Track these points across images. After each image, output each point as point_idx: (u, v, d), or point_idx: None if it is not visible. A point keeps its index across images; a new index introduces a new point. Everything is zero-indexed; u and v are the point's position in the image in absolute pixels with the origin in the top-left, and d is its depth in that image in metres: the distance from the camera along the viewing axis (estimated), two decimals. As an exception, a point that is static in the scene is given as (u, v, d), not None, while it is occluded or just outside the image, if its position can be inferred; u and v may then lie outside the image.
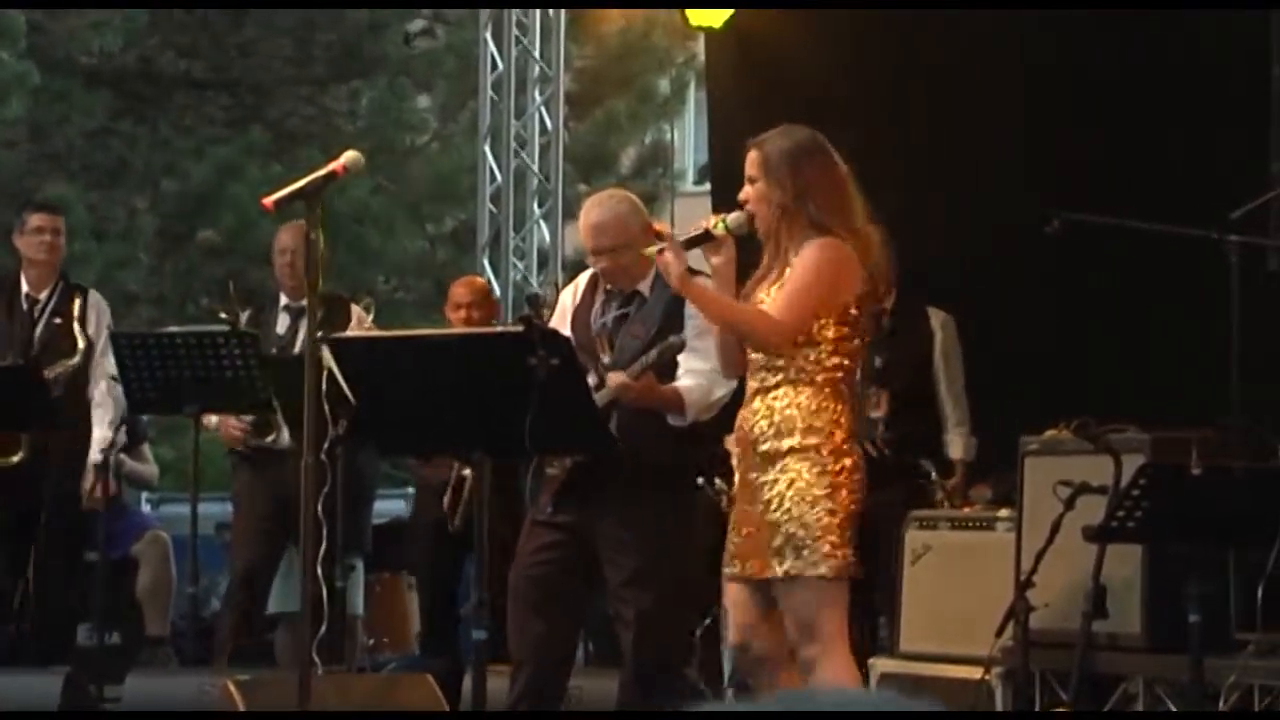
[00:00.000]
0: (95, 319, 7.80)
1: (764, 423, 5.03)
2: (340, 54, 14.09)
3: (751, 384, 5.14)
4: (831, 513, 4.96)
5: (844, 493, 4.99)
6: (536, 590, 5.77)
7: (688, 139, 21.38)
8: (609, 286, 5.90)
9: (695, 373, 5.71)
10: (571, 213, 12.16)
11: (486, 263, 10.58)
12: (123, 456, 8.38)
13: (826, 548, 4.96)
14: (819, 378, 5.02)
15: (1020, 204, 7.27)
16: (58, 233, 7.90)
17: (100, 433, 7.68)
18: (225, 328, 7.43)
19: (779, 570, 4.98)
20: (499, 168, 10.55)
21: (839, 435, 5.01)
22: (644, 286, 5.84)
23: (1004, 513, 6.76)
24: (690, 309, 5.67)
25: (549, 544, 5.80)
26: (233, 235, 13.32)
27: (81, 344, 7.65)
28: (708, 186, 20.51)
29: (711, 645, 7.50)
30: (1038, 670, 6.22)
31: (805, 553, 4.96)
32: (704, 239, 5.08)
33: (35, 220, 7.82)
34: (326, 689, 5.71)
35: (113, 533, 8.12)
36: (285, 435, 7.46)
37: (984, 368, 7.68)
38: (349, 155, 5.46)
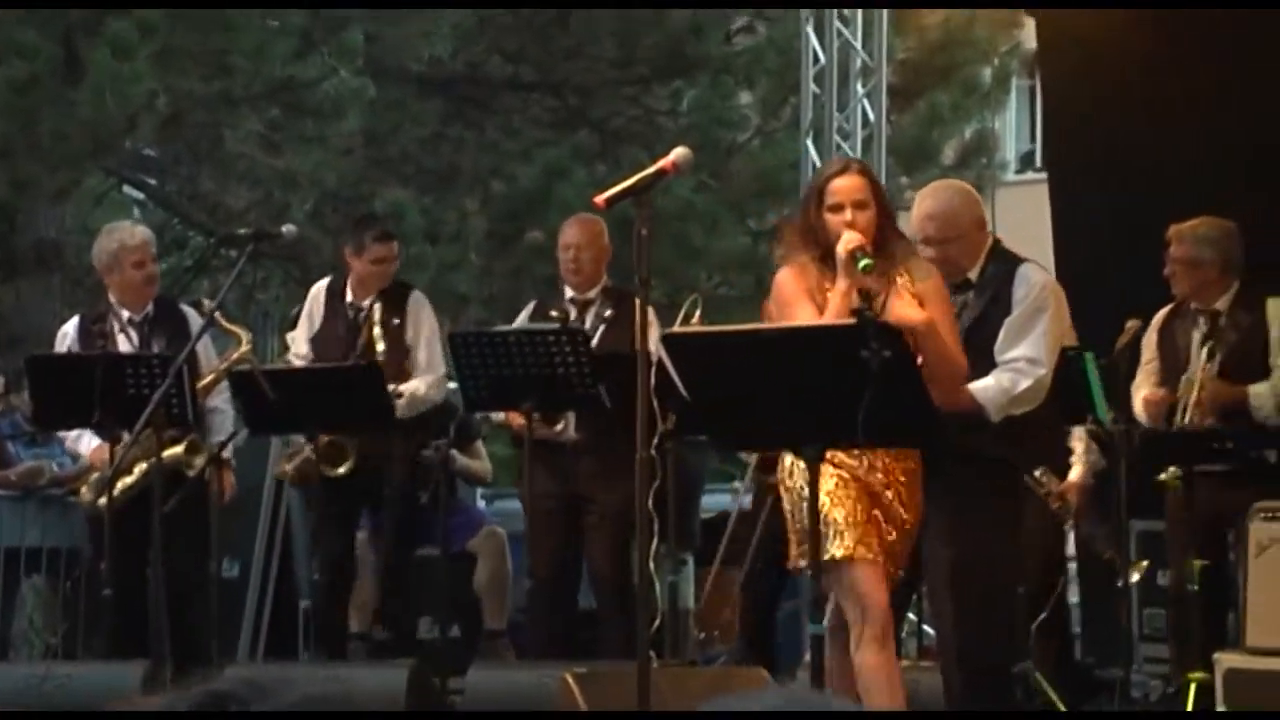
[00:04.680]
0: (414, 316, 7.93)
1: None
2: (663, 54, 14.21)
3: None
4: None
5: None
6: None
7: (1009, 129, 21.11)
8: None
9: (1006, 364, 5.65)
10: (895, 206, 12.10)
11: (811, 257, 10.56)
12: (455, 453, 8.57)
13: None
14: None
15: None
16: (396, 258, 8.10)
17: (413, 389, 7.79)
18: (556, 325, 7.53)
19: None
20: (822, 162, 10.52)
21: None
22: (973, 274, 5.82)
23: (1354, 505, 6.53)
24: (1018, 292, 5.64)
25: None
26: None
27: (381, 348, 7.81)
28: (1030, 175, 20.35)
29: (1050, 637, 7.37)
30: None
31: None
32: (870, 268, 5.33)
33: (378, 250, 7.92)
34: (663, 681, 5.75)
35: (450, 529, 8.30)
36: (571, 427, 7.55)
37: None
38: (679, 152, 5.50)
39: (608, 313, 7.72)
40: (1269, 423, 7.03)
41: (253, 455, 8.60)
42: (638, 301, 7.64)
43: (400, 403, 7.67)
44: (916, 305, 5.41)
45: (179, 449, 7.49)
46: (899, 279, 5.42)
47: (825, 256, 5.39)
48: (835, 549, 5.27)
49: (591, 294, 7.80)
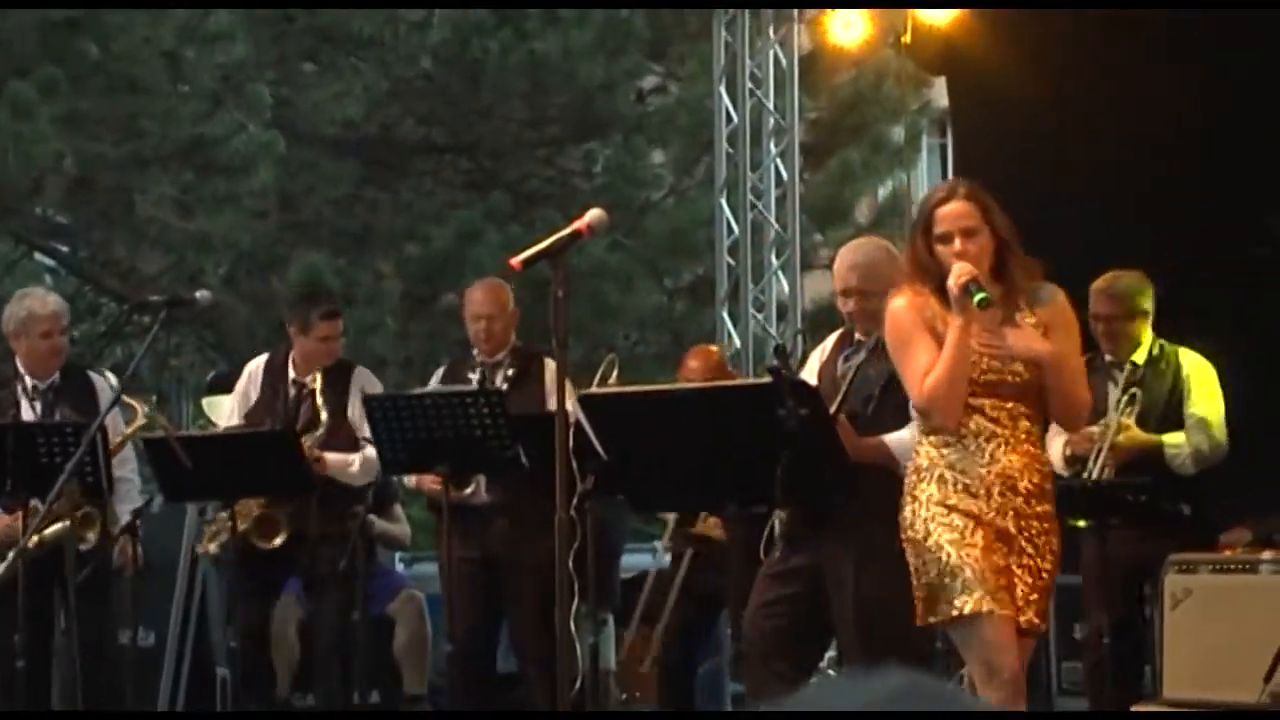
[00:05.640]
0: (358, 393, 7.87)
1: (1034, 473, 5.06)
2: (575, 114, 14.25)
3: (1006, 431, 5.06)
4: None
5: None
6: (768, 644, 5.77)
7: (922, 187, 21.29)
8: (856, 336, 5.90)
9: None
10: (809, 263, 12.16)
11: (726, 315, 10.60)
12: (373, 517, 8.52)
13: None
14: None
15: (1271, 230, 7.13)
16: (341, 336, 8.05)
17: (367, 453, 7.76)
18: (473, 388, 7.52)
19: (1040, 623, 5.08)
20: (736, 220, 10.58)
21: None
22: (888, 330, 5.85)
23: (1268, 555, 6.60)
24: None
25: (781, 597, 5.81)
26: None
27: (324, 417, 7.78)
28: (944, 232, 20.51)
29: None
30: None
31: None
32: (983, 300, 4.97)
33: (325, 329, 7.87)
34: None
35: (368, 593, 8.25)
36: (483, 489, 7.53)
37: (1238, 407, 7.50)
38: (593, 214, 5.50)
39: (510, 372, 7.73)
40: (1184, 472, 7.10)
41: (168, 523, 8.52)
42: (545, 362, 7.72)
43: (354, 471, 7.68)
44: (1039, 335, 5.06)
45: (66, 525, 7.40)
46: (1020, 308, 5.08)
47: (940, 287, 5.00)
48: (963, 604, 4.93)
49: (500, 356, 7.80)
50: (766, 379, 5.15)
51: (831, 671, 7.36)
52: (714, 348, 8.67)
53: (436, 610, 8.60)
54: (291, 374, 7.93)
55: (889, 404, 5.73)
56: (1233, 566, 6.74)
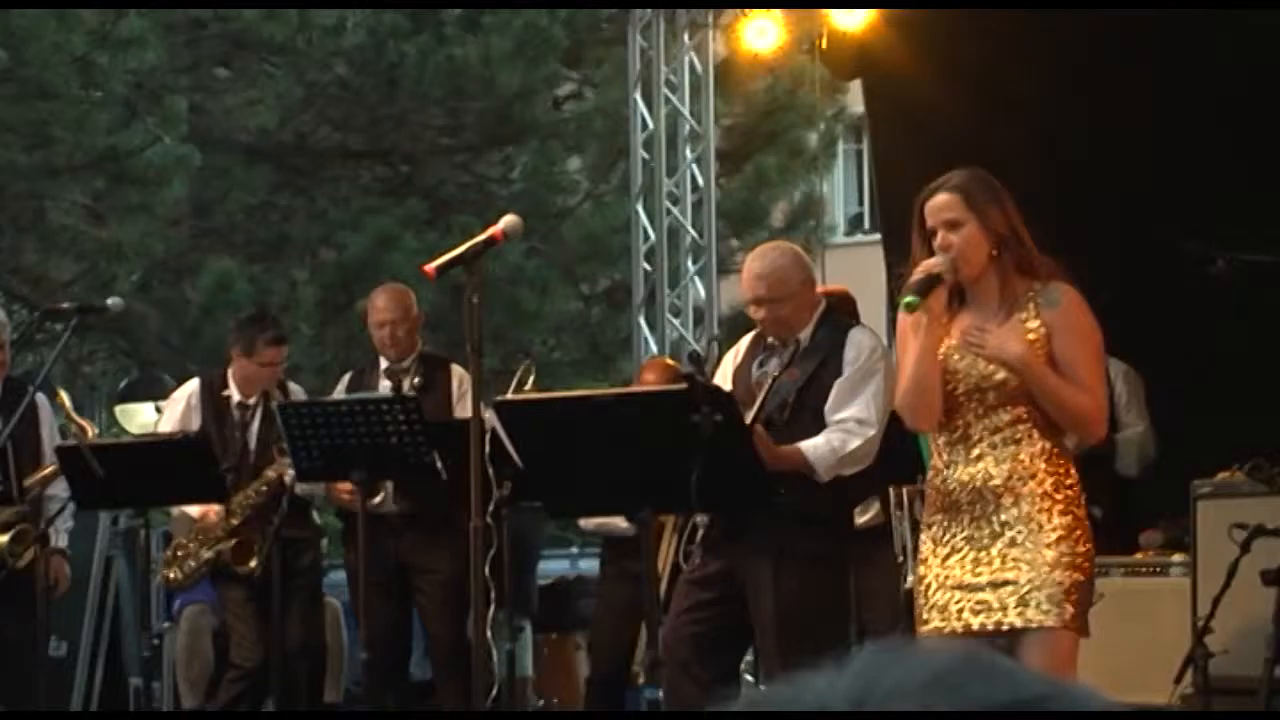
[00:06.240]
0: None
1: (1021, 479, 4.81)
2: (491, 121, 14.24)
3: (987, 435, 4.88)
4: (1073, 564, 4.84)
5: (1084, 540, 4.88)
6: (689, 650, 5.77)
7: (837, 192, 21.39)
8: (770, 340, 5.92)
9: (837, 424, 5.69)
10: (725, 269, 12.19)
11: (642, 321, 10.61)
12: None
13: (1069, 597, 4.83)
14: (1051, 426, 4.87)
15: (1183, 238, 7.19)
16: (285, 361, 8.01)
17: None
18: (389, 394, 7.49)
19: (1019, 622, 4.79)
20: (652, 226, 10.59)
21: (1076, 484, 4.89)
22: (804, 335, 5.86)
23: (1178, 558, 6.66)
24: (849, 353, 5.68)
25: (701, 603, 5.82)
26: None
27: (254, 441, 7.75)
28: (859, 238, 20.59)
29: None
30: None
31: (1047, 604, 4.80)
32: (935, 282, 4.82)
33: (270, 355, 7.86)
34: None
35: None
36: (390, 498, 7.52)
37: (1151, 411, 7.58)
38: (507, 220, 5.51)
39: (418, 381, 7.71)
40: (1128, 472, 7.15)
41: (80, 532, 8.44)
42: (453, 369, 7.70)
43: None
44: (1019, 337, 4.82)
45: (4, 538, 7.34)
46: (1023, 308, 4.85)
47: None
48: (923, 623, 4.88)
49: (406, 363, 7.78)
50: (681, 385, 5.16)
51: (749, 676, 7.37)
52: (671, 360, 8.60)
53: (352, 618, 8.56)
54: (237, 396, 7.90)
55: (804, 411, 5.75)
56: (1144, 569, 6.80)
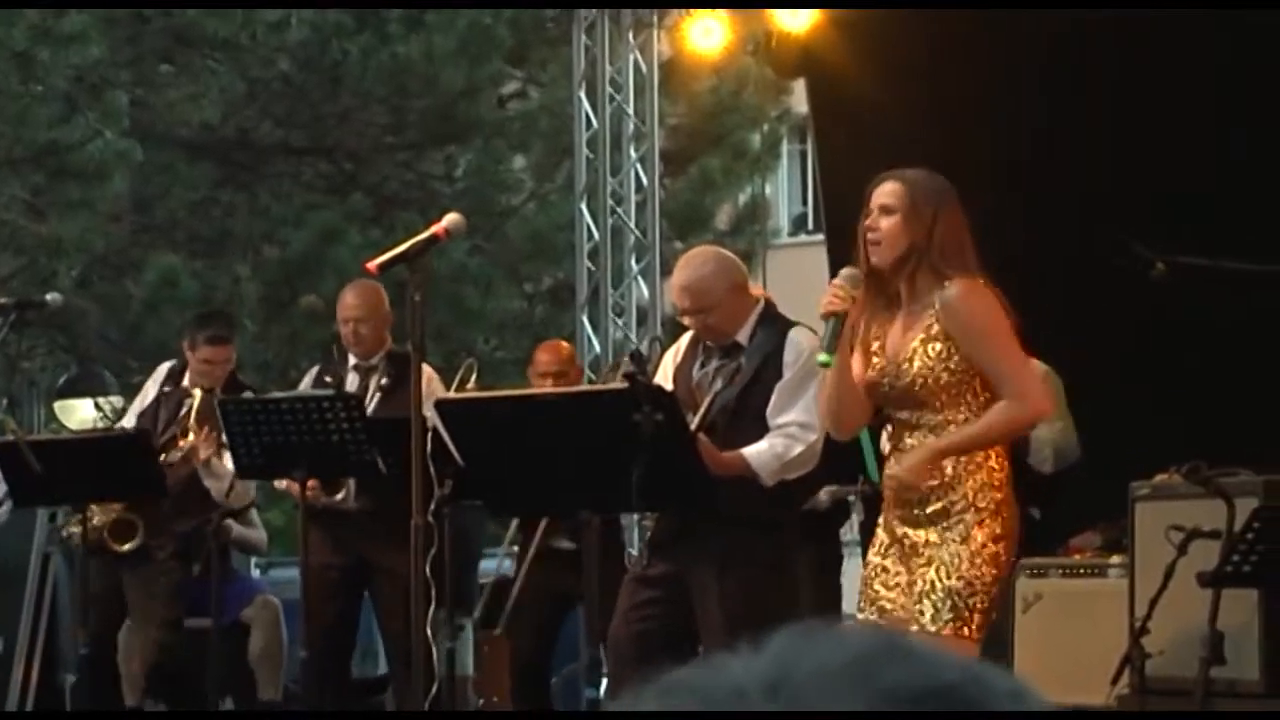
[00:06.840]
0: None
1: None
2: (435, 119, 14.22)
3: (898, 440, 4.90)
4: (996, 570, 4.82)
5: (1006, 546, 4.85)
6: (635, 647, 5.78)
7: (781, 193, 21.42)
8: (708, 342, 5.92)
9: (779, 429, 5.69)
10: (669, 269, 12.19)
11: (585, 320, 10.61)
12: (230, 522, 8.44)
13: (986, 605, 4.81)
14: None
15: (1119, 243, 7.23)
16: (227, 362, 8.00)
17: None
18: (330, 392, 7.46)
19: (933, 627, 4.74)
20: (596, 225, 10.60)
21: (1007, 490, 4.85)
22: (742, 337, 5.86)
23: (1115, 559, 6.69)
24: (788, 357, 5.69)
25: (647, 600, 5.82)
26: (335, 300, 13.43)
27: (191, 432, 7.73)
28: (802, 238, 20.64)
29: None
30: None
31: (966, 612, 4.76)
32: (839, 324, 4.74)
33: (207, 353, 7.86)
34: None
35: (223, 598, 8.17)
36: (352, 494, 7.50)
37: (1089, 413, 7.61)
38: (450, 218, 5.51)
39: (384, 380, 7.67)
40: (1043, 469, 7.17)
41: (18, 528, 8.39)
42: (423, 368, 7.67)
43: (225, 485, 7.63)
44: (917, 454, 4.75)
45: None
46: (928, 316, 4.78)
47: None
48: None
49: (374, 360, 7.75)
50: (622, 384, 5.17)
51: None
52: (564, 343, 8.64)
53: (293, 617, 8.53)
54: (186, 384, 7.92)
55: (746, 414, 5.75)
56: (1082, 571, 6.84)
